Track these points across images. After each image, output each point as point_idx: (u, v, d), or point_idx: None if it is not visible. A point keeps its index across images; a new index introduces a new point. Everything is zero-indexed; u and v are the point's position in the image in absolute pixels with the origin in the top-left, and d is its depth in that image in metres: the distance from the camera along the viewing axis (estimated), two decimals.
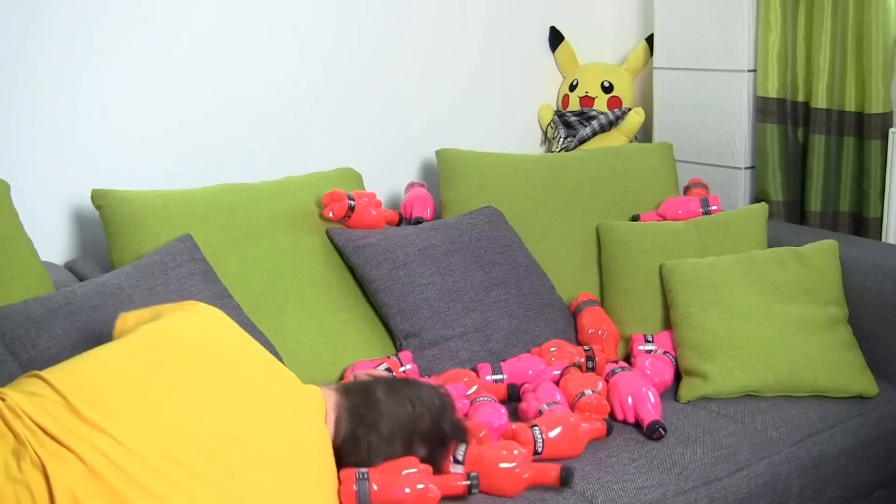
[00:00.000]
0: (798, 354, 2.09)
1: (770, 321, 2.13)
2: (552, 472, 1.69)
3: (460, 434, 1.75)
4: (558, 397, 1.95)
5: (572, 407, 1.95)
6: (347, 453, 1.64)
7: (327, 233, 2.29)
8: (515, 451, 1.71)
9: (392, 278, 2.20)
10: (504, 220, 2.43)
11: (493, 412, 1.90)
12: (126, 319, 1.65)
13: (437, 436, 1.71)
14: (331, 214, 2.26)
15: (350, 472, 1.59)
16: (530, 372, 2.10)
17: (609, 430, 1.88)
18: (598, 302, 2.39)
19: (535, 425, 1.80)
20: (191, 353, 1.54)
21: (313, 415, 1.62)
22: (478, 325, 2.20)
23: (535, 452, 1.77)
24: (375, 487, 1.58)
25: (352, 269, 2.27)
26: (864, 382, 2.10)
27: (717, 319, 2.15)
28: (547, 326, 2.27)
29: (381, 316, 2.24)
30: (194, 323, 1.61)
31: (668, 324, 2.28)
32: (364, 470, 1.60)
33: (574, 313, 2.36)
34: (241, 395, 1.53)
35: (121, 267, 1.99)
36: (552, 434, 1.79)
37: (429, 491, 1.61)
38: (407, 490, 1.59)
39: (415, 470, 1.62)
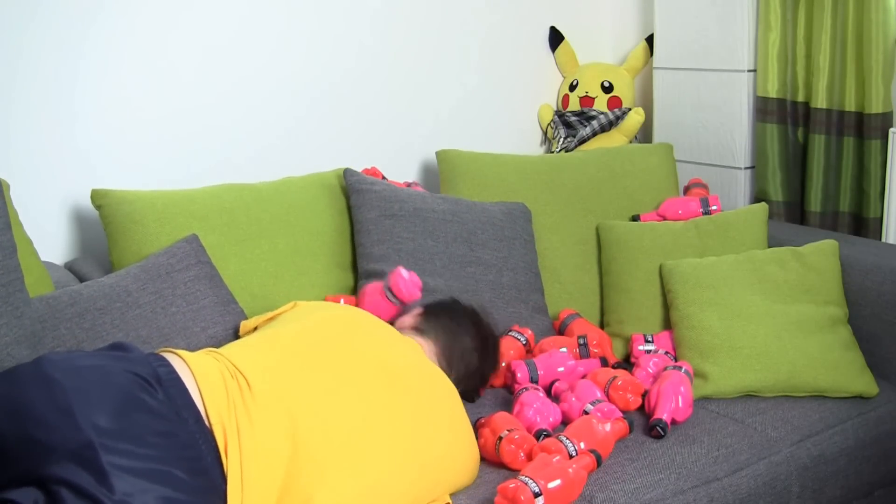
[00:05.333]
0: (798, 354, 2.09)
1: (770, 321, 2.13)
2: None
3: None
4: (598, 394, 1.95)
5: (606, 391, 1.97)
6: (464, 373, 1.93)
7: (344, 173, 2.34)
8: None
9: (376, 224, 2.24)
10: (527, 220, 2.42)
11: (543, 409, 1.90)
12: (247, 325, 1.93)
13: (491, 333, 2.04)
14: None
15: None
16: (560, 369, 2.08)
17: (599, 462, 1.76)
18: (579, 314, 2.38)
19: (531, 478, 1.61)
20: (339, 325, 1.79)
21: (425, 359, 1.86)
22: (436, 288, 2.19)
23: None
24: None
25: (349, 212, 2.32)
26: (863, 382, 2.10)
27: (716, 319, 2.15)
28: (508, 319, 2.26)
29: (354, 261, 2.28)
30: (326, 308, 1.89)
31: (668, 324, 2.28)
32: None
33: (560, 329, 2.35)
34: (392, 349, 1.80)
35: (127, 267, 1.99)
36: (551, 485, 1.62)
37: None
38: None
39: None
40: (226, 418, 1.45)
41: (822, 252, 2.25)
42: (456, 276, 2.25)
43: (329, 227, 2.30)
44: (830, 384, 2.08)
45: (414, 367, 1.78)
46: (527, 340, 2.21)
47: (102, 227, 2.12)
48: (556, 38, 3.05)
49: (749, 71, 2.70)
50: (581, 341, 2.21)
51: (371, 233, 2.24)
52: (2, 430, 1.33)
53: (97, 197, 2.11)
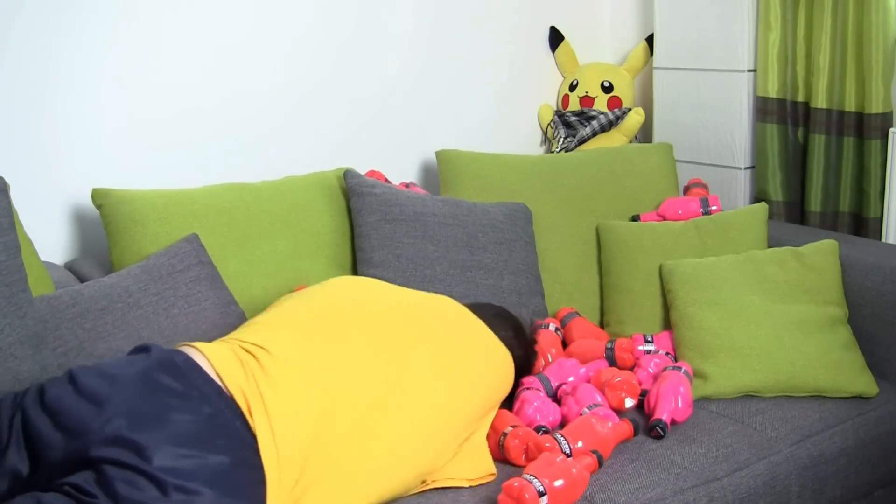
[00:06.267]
0: (798, 354, 2.09)
1: (770, 321, 2.13)
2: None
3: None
4: (598, 398, 1.95)
5: (603, 388, 1.98)
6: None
7: (344, 174, 2.33)
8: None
9: (376, 228, 2.24)
10: (527, 221, 2.42)
11: (544, 407, 1.93)
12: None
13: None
14: None
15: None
16: (571, 378, 2.07)
17: (600, 463, 1.77)
18: (578, 312, 2.39)
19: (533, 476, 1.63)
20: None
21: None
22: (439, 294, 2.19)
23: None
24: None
25: (349, 213, 2.33)
26: (863, 382, 2.10)
27: (716, 319, 2.15)
28: None
29: (354, 261, 2.29)
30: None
31: (668, 324, 2.28)
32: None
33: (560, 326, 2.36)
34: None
35: (128, 267, 1.98)
36: (556, 484, 1.62)
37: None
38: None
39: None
40: (245, 386, 1.56)
41: (822, 252, 2.25)
42: (456, 280, 2.24)
43: (329, 228, 2.30)
44: (830, 384, 2.08)
45: (447, 319, 1.86)
46: (557, 328, 2.27)
47: (103, 227, 2.12)
48: (556, 38, 3.05)
49: (749, 71, 2.70)
50: (609, 345, 2.20)
51: (371, 237, 2.24)
52: (46, 433, 1.44)
53: (98, 196, 2.11)
